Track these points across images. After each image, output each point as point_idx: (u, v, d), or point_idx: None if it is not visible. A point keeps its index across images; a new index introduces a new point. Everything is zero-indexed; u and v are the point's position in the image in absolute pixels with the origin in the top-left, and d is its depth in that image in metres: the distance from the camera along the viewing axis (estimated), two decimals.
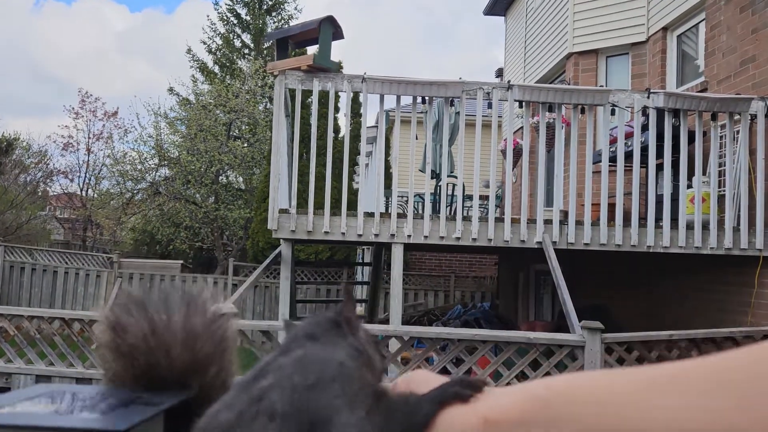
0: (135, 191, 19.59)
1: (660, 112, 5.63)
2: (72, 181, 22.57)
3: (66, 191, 23.22)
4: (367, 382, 0.45)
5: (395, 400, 0.44)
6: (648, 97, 5.60)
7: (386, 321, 6.68)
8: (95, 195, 22.17)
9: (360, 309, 9.58)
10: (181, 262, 15.46)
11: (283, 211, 5.63)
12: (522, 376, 4.34)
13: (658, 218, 5.64)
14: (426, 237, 5.57)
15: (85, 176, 22.30)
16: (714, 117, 5.61)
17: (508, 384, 4.26)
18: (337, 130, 10.42)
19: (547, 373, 4.35)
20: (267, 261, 6.43)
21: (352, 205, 6.34)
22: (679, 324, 5.71)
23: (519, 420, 0.39)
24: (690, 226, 5.61)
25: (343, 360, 0.45)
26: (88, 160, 22.21)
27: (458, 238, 5.58)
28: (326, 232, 5.60)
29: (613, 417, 0.36)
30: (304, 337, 0.48)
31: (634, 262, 6.84)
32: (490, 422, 0.40)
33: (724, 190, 5.79)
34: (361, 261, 11.01)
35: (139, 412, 0.46)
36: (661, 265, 6.73)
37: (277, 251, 6.35)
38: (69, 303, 11.94)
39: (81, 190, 22.53)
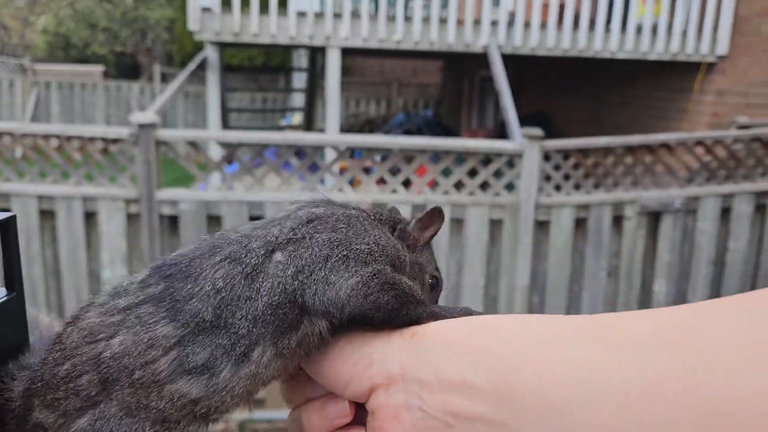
0: None
1: None
2: None
3: None
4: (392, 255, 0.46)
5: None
6: None
7: (324, 130, 6.46)
8: None
9: (298, 119, 9.28)
10: (103, 67, 14.28)
11: (205, 10, 5.04)
12: (460, 185, 4.32)
13: (609, 21, 5.38)
14: (365, 40, 5.15)
15: None
16: None
17: (445, 193, 4.25)
18: None
19: (485, 182, 4.35)
20: (192, 66, 5.90)
21: (284, 3, 5.73)
22: (619, 131, 5.75)
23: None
24: (639, 30, 5.40)
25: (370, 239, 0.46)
26: None
27: (399, 42, 5.20)
28: (255, 35, 5.10)
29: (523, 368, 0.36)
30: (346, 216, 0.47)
31: (579, 69, 6.68)
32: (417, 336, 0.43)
33: None
34: (298, 67, 10.42)
35: None
36: (606, 71, 6.60)
37: (203, 55, 5.80)
38: None
39: None
